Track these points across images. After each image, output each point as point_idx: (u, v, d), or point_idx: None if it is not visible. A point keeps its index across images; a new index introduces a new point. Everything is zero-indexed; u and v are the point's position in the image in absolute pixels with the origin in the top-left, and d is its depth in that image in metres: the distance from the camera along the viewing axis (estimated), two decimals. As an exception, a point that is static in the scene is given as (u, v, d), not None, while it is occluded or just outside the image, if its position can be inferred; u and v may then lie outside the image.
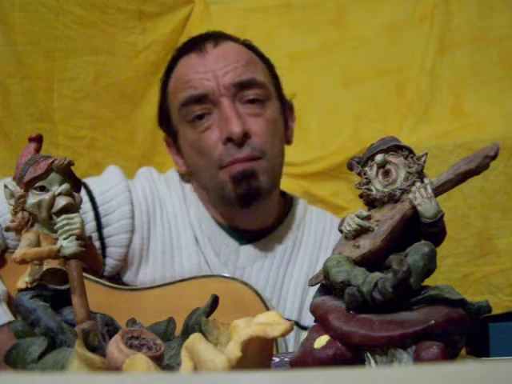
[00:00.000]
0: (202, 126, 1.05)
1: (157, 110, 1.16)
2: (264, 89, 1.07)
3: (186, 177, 1.16)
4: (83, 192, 1.04)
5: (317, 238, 1.14)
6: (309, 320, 1.08)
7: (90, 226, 1.04)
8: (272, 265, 1.10)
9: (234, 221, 1.10)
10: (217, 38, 1.10)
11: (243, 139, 1.02)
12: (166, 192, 1.12)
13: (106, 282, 1.03)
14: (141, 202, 1.08)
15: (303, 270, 1.11)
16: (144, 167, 1.17)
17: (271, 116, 1.08)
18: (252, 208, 1.07)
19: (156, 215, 1.09)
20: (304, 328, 1.08)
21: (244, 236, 1.11)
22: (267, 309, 0.99)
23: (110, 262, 1.06)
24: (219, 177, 1.04)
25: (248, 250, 1.10)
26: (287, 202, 1.17)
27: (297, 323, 1.09)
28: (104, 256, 1.06)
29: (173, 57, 1.14)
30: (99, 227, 1.04)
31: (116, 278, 1.08)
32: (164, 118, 1.13)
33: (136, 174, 1.15)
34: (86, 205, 1.04)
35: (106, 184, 1.07)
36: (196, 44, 1.10)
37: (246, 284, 1.02)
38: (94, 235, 1.04)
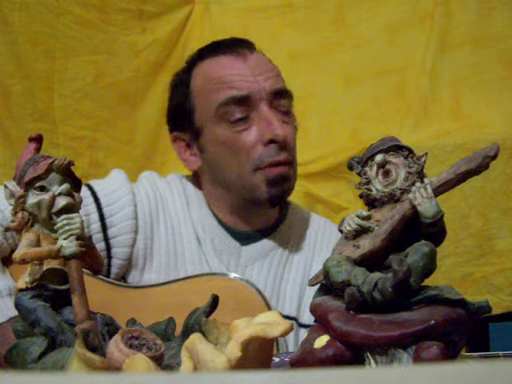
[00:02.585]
0: (239, 127, 1.07)
1: (168, 105, 1.17)
2: (291, 100, 1.12)
3: (189, 177, 1.18)
4: (88, 194, 1.06)
5: (311, 240, 1.17)
6: (307, 317, 1.10)
7: (95, 227, 1.06)
8: (271, 264, 1.13)
9: (239, 222, 1.13)
10: (250, 45, 1.14)
11: (284, 143, 1.07)
12: (168, 194, 1.14)
13: (110, 280, 1.04)
14: (144, 204, 1.10)
15: (300, 270, 1.14)
16: (146, 171, 1.19)
17: (294, 126, 1.13)
18: (262, 211, 1.12)
19: (159, 217, 1.11)
20: (302, 325, 1.11)
21: (245, 237, 1.13)
22: (268, 306, 1.00)
23: (116, 263, 1.08)
24: (253, 177, 1.07)
25: (249, 250, 1.13)
26: (284, 206, 1.20)
27: (295, 320, 1.11)
28: (109, 257, 1.07)
29: (194, 57, 1.16)
30: (104, 228, 1.06)
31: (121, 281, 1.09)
32: (181, 115, 1.14)
33: (138, 177, 1.17)
34: (91, 206, 1.06)
35: (110, 186, 1.09)
36: (229, 47, 1.12)
37: (247, 282, 1.03)
38: (99, 236, 1.06)
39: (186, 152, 1.15)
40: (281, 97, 1.10)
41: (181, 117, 1.15)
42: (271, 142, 1.06)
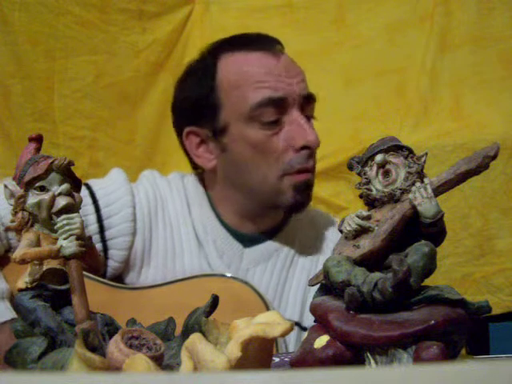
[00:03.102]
0: (270, 130, 1.04)
1: (181, 97, 1.12)
2: (315, 105, 1.10)
3: (191, 176, 1.14)
4: (86, 194, 1.05)
5: (317, 241, 1.15)
6: (310, 321, 1.08)
7: (93, 228, 1.04)
8: (274, 267, 1.11)
9: (244, 224, 1.11)
10: (280, 44, 1.11)
11: (314, 149, 1.06)
12: (169, 194, 1.11)
13: (108, 281, 1.04)
14: (143, 205, 1.08)
15: (304, 273, 1.12)
16: (147, 170, 1.17)
17: None
18: (277, 215, 1.11)
19: (158, 218, 1.09)
20: (305, 329, 1.09)
21: (248, 239, 1.11)
22: (267, 307, 1.00)
23: (112, 264, 1.06)
24: (280, 182, 1.05)
25: (252, 252, 1.10)
26: None
27: (298, 324, 1.09)
28: (106, 258, 1.06)
29: (216, 47, 1.10)
30: (101, 229, 1.05)
31: (118, 281, 1.09)
32: (202, 109, 1.08)
33: (139, 177, 1.15)
34: (89, 207, 1.04)
35: (109, 187, 1.07)
36: (262, 43, 1.08)
37: (246, 283, 1.02)
38: (96, 237, 1.04)
39: (198, 148, 1.09)
40: (308, 102, 1.08)
41: (200, 111, 1.09)
42: (303, 148, 1.04)
